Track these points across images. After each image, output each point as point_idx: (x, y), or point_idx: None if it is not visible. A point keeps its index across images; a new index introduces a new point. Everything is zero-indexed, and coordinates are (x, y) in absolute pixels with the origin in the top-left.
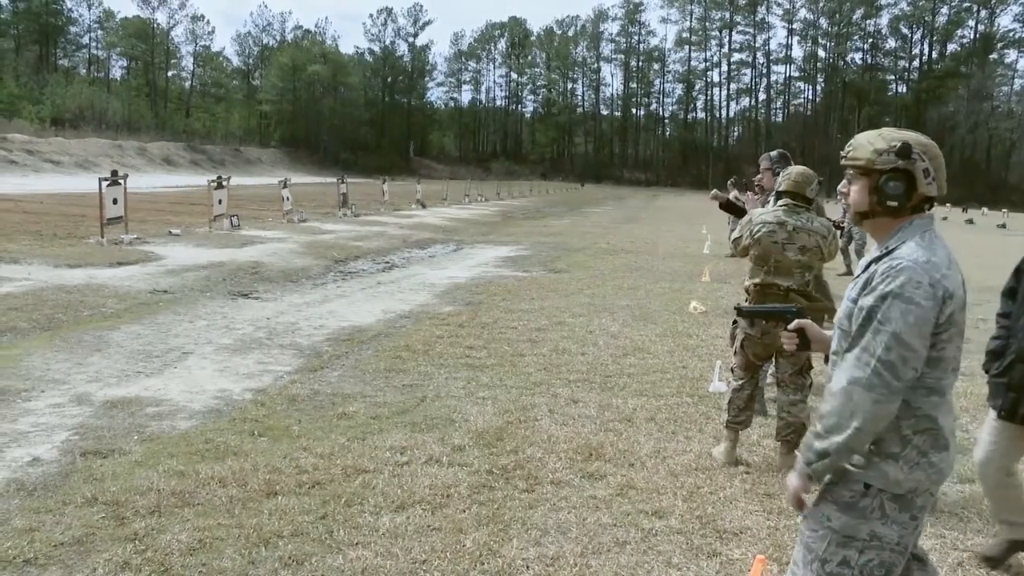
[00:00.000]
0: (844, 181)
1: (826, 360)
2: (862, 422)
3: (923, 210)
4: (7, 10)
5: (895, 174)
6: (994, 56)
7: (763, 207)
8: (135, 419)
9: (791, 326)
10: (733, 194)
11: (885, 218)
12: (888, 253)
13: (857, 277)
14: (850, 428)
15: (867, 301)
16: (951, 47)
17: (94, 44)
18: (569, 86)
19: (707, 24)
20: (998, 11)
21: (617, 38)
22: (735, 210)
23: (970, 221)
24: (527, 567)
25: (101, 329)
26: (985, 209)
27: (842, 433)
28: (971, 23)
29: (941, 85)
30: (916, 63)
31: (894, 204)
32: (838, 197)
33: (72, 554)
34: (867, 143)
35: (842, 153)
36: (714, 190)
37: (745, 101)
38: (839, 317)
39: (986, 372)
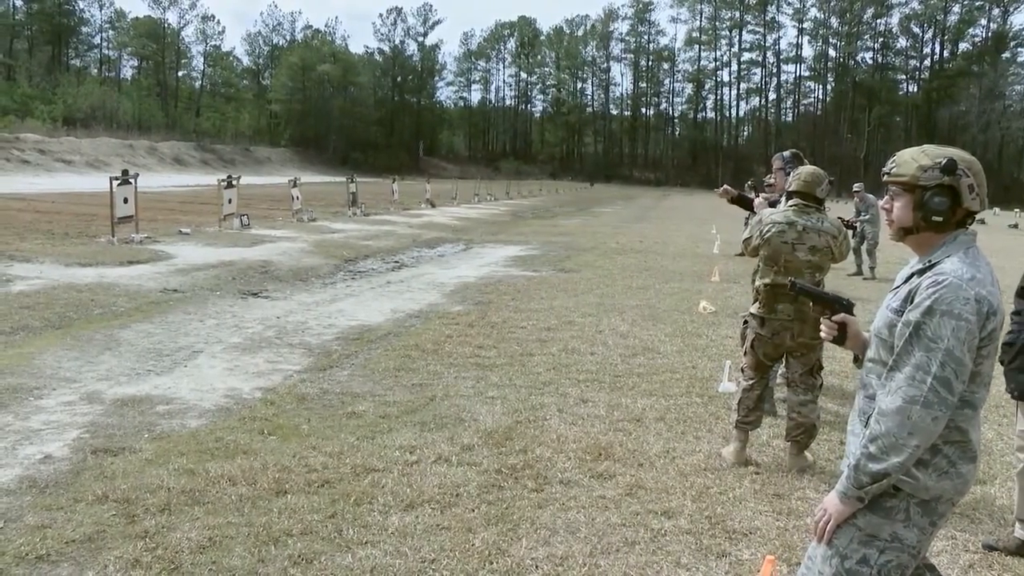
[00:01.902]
0: (886, 198)
1: (855, 361)
2: (921, 440)
3: (965, 225)
4: (21, 11)
5: (940, 190)
6: (1007, 55)
7: (770, 208)
8: (145, 417)
9: (836, 317)
10: (757, 201)
11: (929, 233)
12: (931, 267)
13: (897, 288)
14: (910, 447)
15: (913, 316)
16: (963, 46)
17: (105, 44)
18: (579, 85)
19: (717, 23)
20: (1011, 9)
21: (627, 37)
22: (746, 204)
23: (981, 221)
24: (536, 567)
25: (112, 328)
26: (997, 209)
27: (902, 453)
28: (983, 21)
29: (952, 84)
30: (927, 62)
31: (939, 219)
32: (854, 196)
33: (83, 551)
34: (911, 160)
35: (884, 170)
36: (724, 186)
37: (755, 100)
38: (878, 326)
39: (1002, 363)
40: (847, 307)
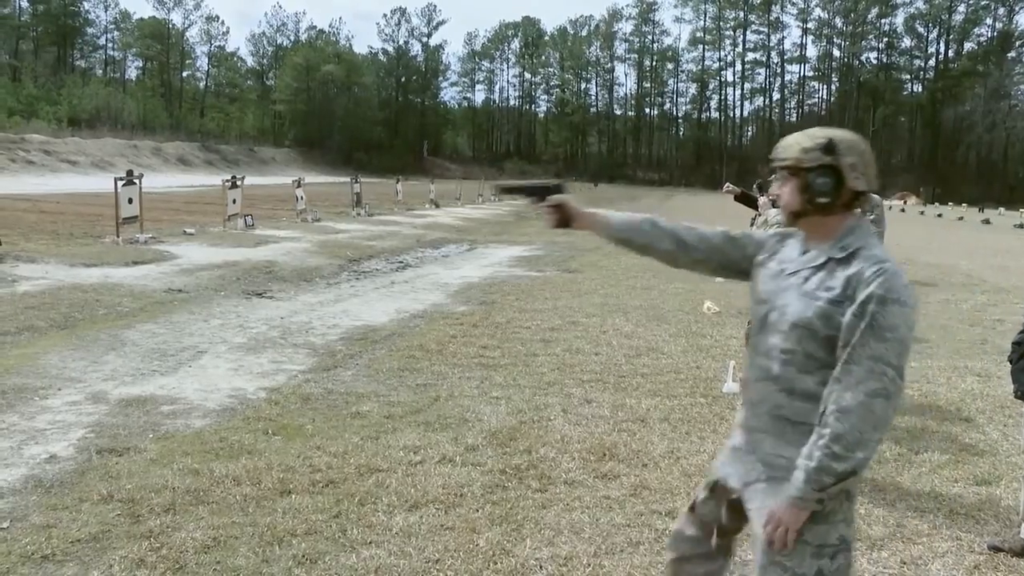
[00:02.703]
0: (777, 183)
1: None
2: (884, 432)
3: (853, 207)
4: (27, 12)
5: (823, 170)
6: (1012, 54)
7: (775, 207)
8: (150, 417)
9: (549, 201)
10: (762, 200)
11: (817, 216)
12: (853, 254)
13: (806, 274)
14: (874, 440)
15: (868, 308)
16: (968, 45)
17: (110, 45)
18: (583, 86)
19: (721, 23)
20: (1017, 8)
21: (631, 38)
22: (750, 202)
23: (987, 221)
24: (540, 567)
25: (117, 328)
26: (1002, 209)
27: (867, 448)
28: (989, 21)
29: (957, 84)
30: (932, 62)
31: (825, 200)
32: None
33: (89, 551)
34: (794, 143)
35: (771, 156)
36: (727, 183)
37: (759, 101)
38: (805, 316)
39: (1010, 362)
40: (556, 189)
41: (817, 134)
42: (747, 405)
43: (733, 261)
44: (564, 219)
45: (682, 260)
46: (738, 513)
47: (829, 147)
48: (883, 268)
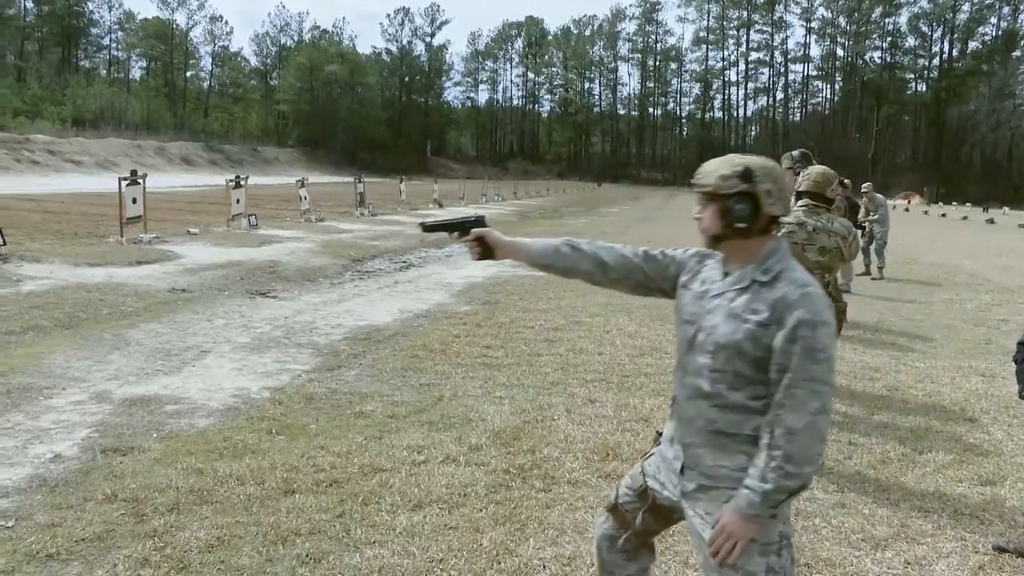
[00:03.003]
0: (698, 207)
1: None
2: (825, 443)
3: (771, 230)
4: (31, 13)
5: (741, 197)
6: (1017, 53)
7: None
8: (154, 417)
9: (470, 235)
10: None
11: (737, 240)
12: (776, 277)
13: (737, 296)
14: (820, 454)
15: (801, 332)
16: (972, 45)
17: (114, 45)
18: (586, 85)
19: (725, 23)
20: (1022, 7)
21: (634, 37)
22: None
23: (991, 221)
24: (544, 566)
25: (121, 327)
26: (1006, 209)
27: (814, 462)
28: (993, 20)
29: (962, 84)
30: (936, 61)
31: (743, 225)
32: (862, 196)
33: (93, 550)
34: (713, 170)
35: (692, 181)
36: None
37: (763, 100)
38: (734, 338)
39: (1015, 362)
40: (478, 222)
41: (735, 161)
42: (679, 422)
43: (652, 280)
44: (486, 251)
45: (602, 280)
46: (663, 517)
47: (746, 174)
48: (807, 292)
